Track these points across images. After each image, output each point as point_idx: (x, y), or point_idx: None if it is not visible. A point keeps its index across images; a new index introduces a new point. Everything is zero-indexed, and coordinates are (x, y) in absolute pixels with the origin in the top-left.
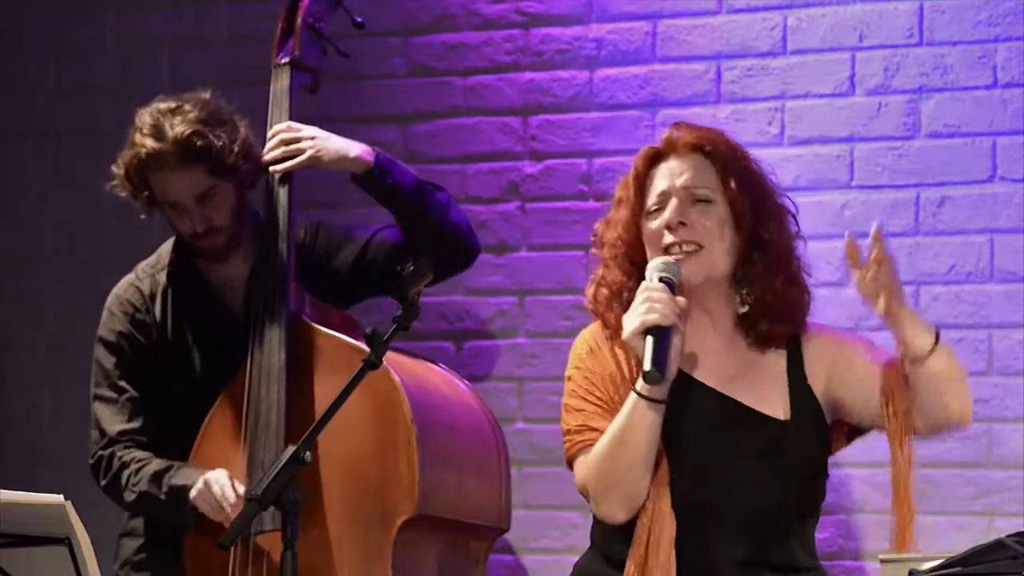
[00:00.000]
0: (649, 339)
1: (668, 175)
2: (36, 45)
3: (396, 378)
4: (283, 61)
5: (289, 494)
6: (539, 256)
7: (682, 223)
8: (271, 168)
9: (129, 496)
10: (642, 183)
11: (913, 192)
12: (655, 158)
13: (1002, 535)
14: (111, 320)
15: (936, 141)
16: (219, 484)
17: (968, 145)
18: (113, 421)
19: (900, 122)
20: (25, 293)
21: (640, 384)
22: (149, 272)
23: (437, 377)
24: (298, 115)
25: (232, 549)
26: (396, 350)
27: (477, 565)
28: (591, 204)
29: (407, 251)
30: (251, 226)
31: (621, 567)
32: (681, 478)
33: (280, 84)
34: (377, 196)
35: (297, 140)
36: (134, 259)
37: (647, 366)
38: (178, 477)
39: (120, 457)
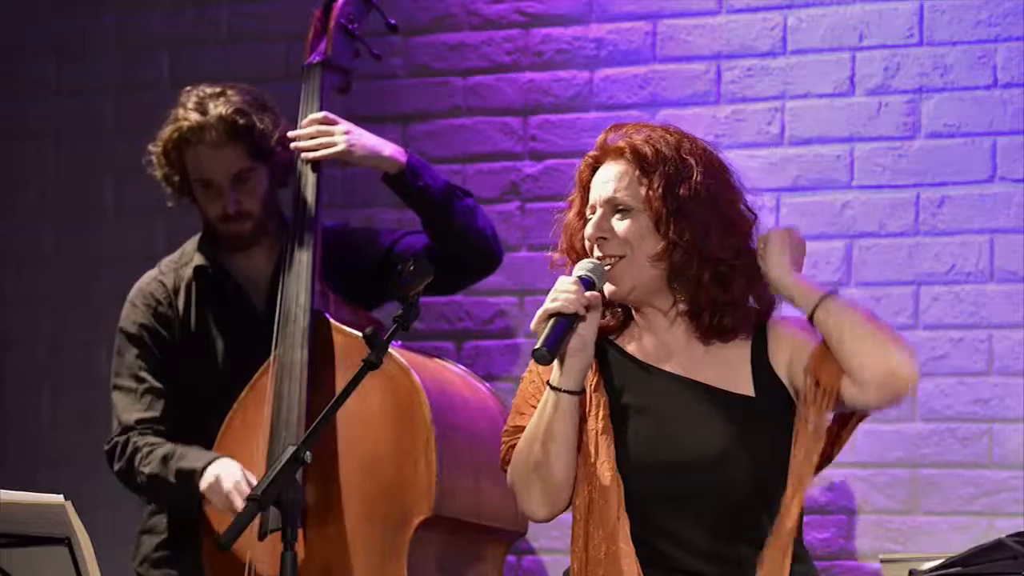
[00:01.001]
0: (549, 322)
1: (597, 186)
2: (36, 45)
3: (416, 379)
4: (315, 61)
5: (289, 494)
6: (539, 256)
7: (601, 237)
8: (303, 155)
9: (140, 479)
10: (586, 188)
11: (913, 192)
12: (594, 164)
13: (1002, 535)
14: (133, 312)
15: (936, 141)
16: (232, 479)
17: (968, 145)
18: (130, 410)
19: (900, 122)
20: (25, 293)
21: (552, 376)
22: (172, 267)
23: (457, 379)
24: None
25: (248, 547)
26: (414, 351)
27: (493, 568)
28: None
29: (430, 258)
30: (277, 223)
31: None
32: (644, 462)
33: (312, 84)
34: (406, 198)
35: (331, 132)
36: (134, 259)
37: (536, 345)
38: (185, 460)
39: (134, 443)
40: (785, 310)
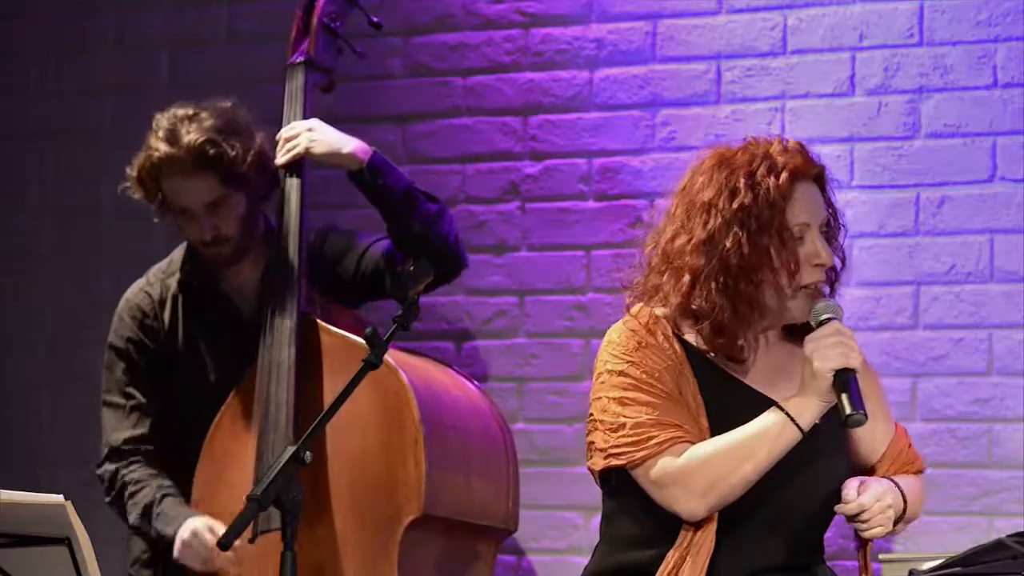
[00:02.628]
0: (848, 381)
1: (807, 206)
2: (36, 45)
3: (404, 378)
4: (298, 60)
5: (288, 494)
6: (539, 256)
7: (822, 264)
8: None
9: (129, 521)
10: (786, 200)
11: (913, 192)
12: (795, 176)
13: (1002, 535)
14: (121, 326)
15: (936, 141)
16: (200, 541)
17: (968, 145)
18: (118, 429)
19: (900, 122)
20: (25, 293)
21: (792, 407)
22: (160, 277)
23: (446, 378)
24: (312, 115)
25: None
26: (405, 351)
27: (484, 566)
28: (591, 204)
29: (396, 260)
30: (262, 235)
31: (639, 573)
32: None
33: (295, 84)
34: (367, 196)
35: (296, 136)
36: (134, 259)
37: (849, 410)
38: (160, 520)
39: (122, 476)
40: None
